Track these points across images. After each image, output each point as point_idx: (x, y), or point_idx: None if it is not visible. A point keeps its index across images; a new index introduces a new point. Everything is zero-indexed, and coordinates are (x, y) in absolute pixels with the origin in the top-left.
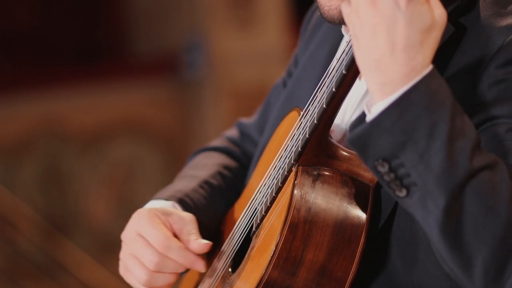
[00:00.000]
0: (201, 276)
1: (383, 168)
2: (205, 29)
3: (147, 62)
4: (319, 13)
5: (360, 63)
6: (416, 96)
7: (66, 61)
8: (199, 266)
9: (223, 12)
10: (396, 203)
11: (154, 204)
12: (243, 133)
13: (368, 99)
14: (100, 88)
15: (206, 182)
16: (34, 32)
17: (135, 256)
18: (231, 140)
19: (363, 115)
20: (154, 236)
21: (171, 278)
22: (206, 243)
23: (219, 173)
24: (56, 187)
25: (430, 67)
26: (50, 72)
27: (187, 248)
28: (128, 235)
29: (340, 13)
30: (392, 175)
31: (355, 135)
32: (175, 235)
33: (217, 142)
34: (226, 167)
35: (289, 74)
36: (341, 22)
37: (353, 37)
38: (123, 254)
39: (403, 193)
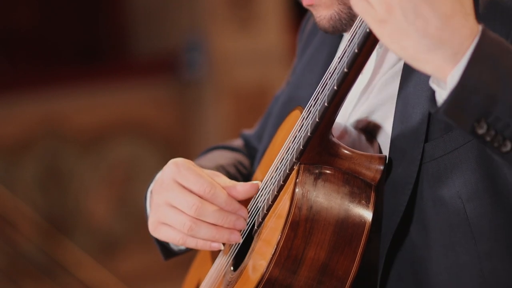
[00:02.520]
0: (204, 274)
1: (482, 129)
2: (205, 29)
3: (147, 62)
4: (313, 21)
5: (415, 53)
6: (487, 47)
7: (66, 61)
8: (244, 213)
9: (223, 12)
10: (398, 204)
11: None
12: (246, 142)
13: (430, 78)
14: (100, 88)
15: (223, 167)
16: (34, 32)
17: (173, 205)
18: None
19: (433, 97)
20: (198, 183)
21: (213, 231)
22: (254, 183)
23: (235, 166)
24: (56, 187)
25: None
26: (50, 72)
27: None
28: (164, 184)
29: (329, 21)
30: (492, 133)
31: (445, 109)
32: None
33: (230, 143)
34: (241, 164)
35: (289, 84)
36: (334, 31)
37: (395, 35)
38: (156, 205)
39: (507, 147)
